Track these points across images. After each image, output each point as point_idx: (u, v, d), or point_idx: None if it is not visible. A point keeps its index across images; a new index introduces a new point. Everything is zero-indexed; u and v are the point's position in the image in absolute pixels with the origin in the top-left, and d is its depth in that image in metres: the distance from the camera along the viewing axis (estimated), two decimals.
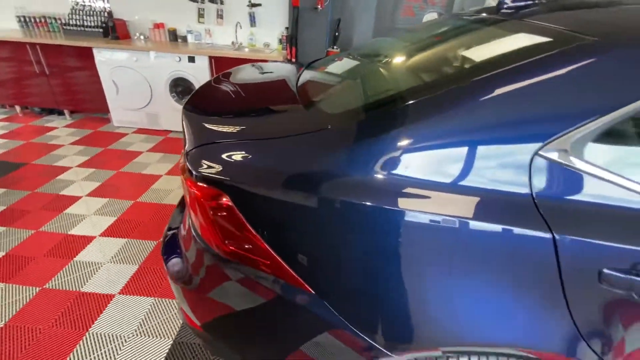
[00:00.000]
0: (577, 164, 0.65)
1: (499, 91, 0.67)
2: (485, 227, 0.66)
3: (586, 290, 0.68)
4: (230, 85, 1.14)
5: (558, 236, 0.65)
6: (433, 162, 0.68)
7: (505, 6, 1.11)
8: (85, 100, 3.70)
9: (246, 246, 0.77)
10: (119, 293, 1.69)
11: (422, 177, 0.68)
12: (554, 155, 0.65)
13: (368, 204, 0.68)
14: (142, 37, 3.78)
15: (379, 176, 0.69)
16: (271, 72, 1.29)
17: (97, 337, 1.47)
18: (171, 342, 1.47)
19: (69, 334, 1.47)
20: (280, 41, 3.84)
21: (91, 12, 3.62)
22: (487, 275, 0.69)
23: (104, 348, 1.42)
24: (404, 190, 0.68)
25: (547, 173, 0.66)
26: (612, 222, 0.66)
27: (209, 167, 0.75)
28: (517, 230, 0.66)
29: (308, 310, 0.78)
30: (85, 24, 3.60)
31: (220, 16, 3.78)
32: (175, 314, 1.60)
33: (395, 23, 3.66)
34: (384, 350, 0.77)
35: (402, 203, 0.67)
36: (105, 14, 3.64)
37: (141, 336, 1.49)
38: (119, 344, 1.44)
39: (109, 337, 1.47)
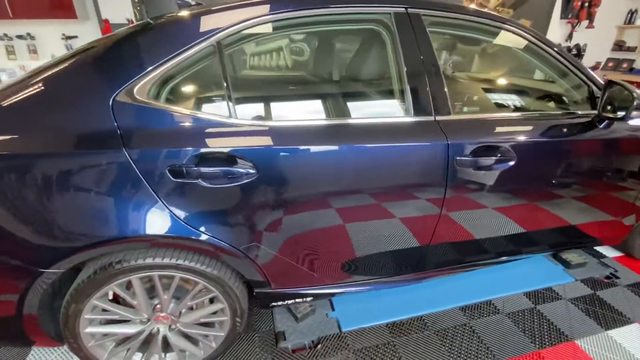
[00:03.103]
0: (138, 101, 0.99)
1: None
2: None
3: (166, 187, 1.00)
4: None
5: (129, 150, 0.95)
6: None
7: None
8: None
9: None
10: None
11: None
12: (123, 99, 0.97)
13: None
14: None
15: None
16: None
17: None
18: None
19: None
20: None
21: None
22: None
23: None
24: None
25: (123, 110, 0.98)
26: (190, 134, 1.03)
27: None
28: (109, 152, 0.95)
29: None
30: None
31: (33, 51, 3.69)
32: None
33: None
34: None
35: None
36: None
37: None
38: None
39: None
